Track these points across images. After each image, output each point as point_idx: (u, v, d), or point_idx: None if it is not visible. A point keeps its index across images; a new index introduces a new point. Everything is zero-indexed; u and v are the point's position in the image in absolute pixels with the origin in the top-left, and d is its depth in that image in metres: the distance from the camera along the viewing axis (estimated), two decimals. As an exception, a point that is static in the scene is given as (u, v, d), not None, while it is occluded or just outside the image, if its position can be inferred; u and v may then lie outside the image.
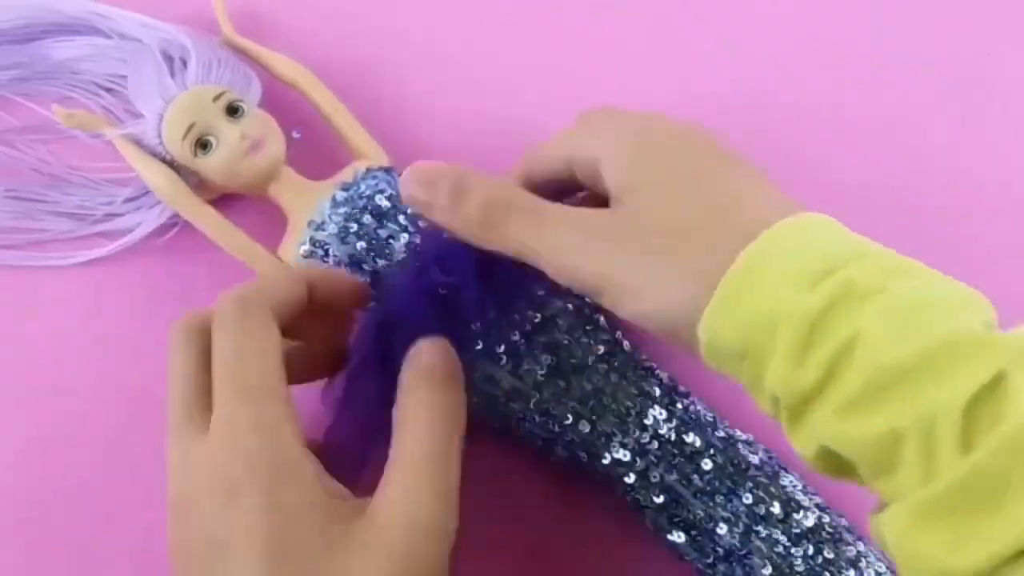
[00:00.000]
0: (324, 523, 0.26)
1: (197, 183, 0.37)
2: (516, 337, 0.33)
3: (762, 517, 0.33)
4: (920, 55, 0.45)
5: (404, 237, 0.35)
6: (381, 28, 0.43)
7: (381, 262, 0.34)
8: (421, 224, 0.35)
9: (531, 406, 0.33)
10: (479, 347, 0.33)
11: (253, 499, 0.25)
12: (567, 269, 0.28)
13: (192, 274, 0.38)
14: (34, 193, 0.39)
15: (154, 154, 0.37)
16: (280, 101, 0.39)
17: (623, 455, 0.33)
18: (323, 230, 0.35)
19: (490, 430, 0.35)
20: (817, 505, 0.33)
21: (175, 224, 0.38)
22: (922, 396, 0.22)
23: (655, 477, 0.33)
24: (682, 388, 0.35)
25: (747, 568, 0.33)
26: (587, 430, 0.33)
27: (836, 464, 0.25)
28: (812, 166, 0.42)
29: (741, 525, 0.33)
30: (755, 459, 0.34)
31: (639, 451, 0.33)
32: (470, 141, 0.41)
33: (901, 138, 0.43)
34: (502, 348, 0.33)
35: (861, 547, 0.33)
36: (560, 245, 0.28)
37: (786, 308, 0.23)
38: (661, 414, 0.34)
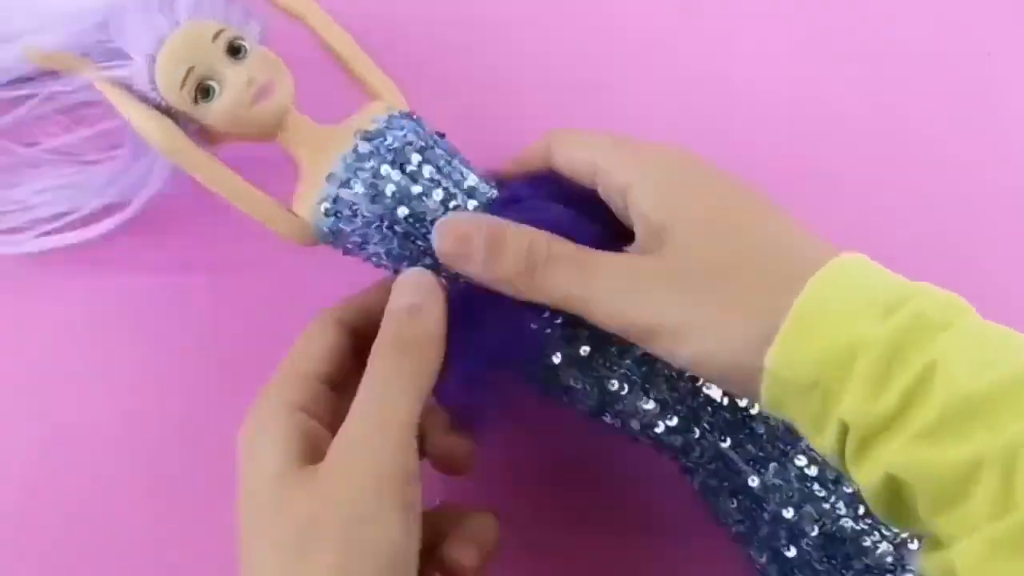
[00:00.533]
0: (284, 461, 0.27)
1: (196, 131, 0.33)
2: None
3: (814, 478, 0.32)
4: (920, 55, 0.45)
5: (438, 193, 0.32)
6: None
7: (415, 223, 0.31)
8: None
9: (583, 372, 0.32)
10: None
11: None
12: (618, 317, 0.28)
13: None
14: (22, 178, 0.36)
15: (146, 100, 0.33)
16: (280, 36, 0.35)
17: (674, 422, 0.32)
18: (349, 188, 0.32)
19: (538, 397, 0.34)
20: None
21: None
22: (1004, 427, 0.22)
23: (707, 442, 0.32)
24: None
25: (796, 530, 0.32)
26: (641, 401, 0.32)
27: (894, 498, 0.25)
28: (812, 167, 0.43)
29: (792, 491, 0.32)
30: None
31: (692, 417, 0.32)
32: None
33: (901, 138, 0.44)
34: (560, 317, 0.31)
35: None
36: (609, 293, 0.28)
37: (863, 337, 0.24)
38: (711, 388, 0.33)
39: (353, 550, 0.25)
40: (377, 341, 0.29)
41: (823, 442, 0.26)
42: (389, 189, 0.31)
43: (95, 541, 0.35)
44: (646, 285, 0.28)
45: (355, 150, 0.32)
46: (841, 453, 0.26)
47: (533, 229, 0.30)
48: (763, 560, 0.33)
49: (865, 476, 0.25)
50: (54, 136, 0.36)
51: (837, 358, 0.24)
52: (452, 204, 0.32)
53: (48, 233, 0.37)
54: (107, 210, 0.37)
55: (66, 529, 0.35)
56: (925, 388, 0.23)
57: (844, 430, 0.25)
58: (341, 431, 0.27)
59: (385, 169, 0.32)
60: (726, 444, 0.32)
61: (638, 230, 0.30)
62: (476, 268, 0.30)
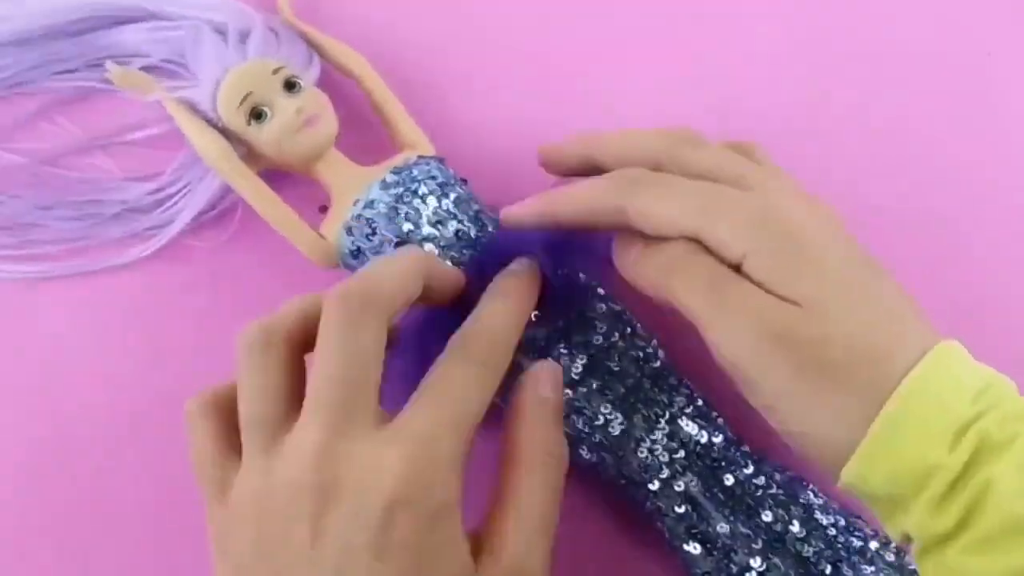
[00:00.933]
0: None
1: (245, 153, 0.37)
2: (552, 333, 0.34)
3: (781, 534, 0.33)
4: (920, 55, 0.46)
5: (452, 224, 0.35)
6: (435, 21, 0.44)
7: (428, 246, 0.34)
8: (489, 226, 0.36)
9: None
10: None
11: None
12: (732, 362, 0.28)
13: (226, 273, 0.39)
14: (74, 204, 0.39)
15: (206, 120, 0.37)
16: (333, 87, 0.39)
17: (651, 460, 0.33)
18: (372, 208, 0.35)
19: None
20: (834, 524, 0.34)
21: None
22: None
23: (679, 486, 0.33)
24: (716, 411, 0.35)
25: None
26: (616, 432, 0.33)
27: None
28: (811, 168, 0.41)
29: (760, 542, 0.33)
30: (778, 477, 0.34)
31: (666, 459, 0.34)
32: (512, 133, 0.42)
33: (900, 139, 0.44)
34: (540, 343, 0.33)
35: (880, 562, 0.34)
36: (733, 336, 0.27)
37: (932, 465, 0.26)
38: (689, 425, 0.34)
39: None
40: (522, 442, 0.29)
41: (891, 532, 0.28)
42: (405, 212, 0.35)
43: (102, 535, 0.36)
44: (775, 354, 0.27)
45: (383, 180, 0.36)
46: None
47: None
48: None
49: (926, 573, 0.27)
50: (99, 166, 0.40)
51: (905, 481, 0.26)
52: (463, 237, 0.35)
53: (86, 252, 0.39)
54: (139, 235, 0.39)
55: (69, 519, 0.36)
56: (980, 507, 0.25)
57: (908, 537, 0.27)
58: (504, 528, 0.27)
59: (407, 196, 0.35)
60: (697, 488, 0.33)
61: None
62: (631, 258, 0.30)
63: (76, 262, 0.39)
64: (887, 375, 0.26)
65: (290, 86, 0.37)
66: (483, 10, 0.45)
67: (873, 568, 0.33)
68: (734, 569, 0.33)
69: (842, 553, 0.33)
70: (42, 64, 0.40)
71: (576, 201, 0.31)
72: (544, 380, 0.30)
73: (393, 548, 0.24)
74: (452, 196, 0.36)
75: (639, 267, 0.30)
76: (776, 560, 0.33)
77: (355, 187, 0.36)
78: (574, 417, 0.33)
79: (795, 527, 0.33)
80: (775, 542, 0.33)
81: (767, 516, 0.34)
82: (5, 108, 0.40)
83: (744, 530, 0.33)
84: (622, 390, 0.34)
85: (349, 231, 0.35)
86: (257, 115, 0.36)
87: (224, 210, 0.39)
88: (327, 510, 0.24)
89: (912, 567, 0.34)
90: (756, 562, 0.33)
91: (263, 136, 0.36)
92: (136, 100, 0.38)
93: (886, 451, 0.26)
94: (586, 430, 0.33)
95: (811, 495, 0.34)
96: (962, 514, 0.25)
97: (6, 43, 0.39)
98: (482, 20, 0.45)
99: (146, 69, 0.39)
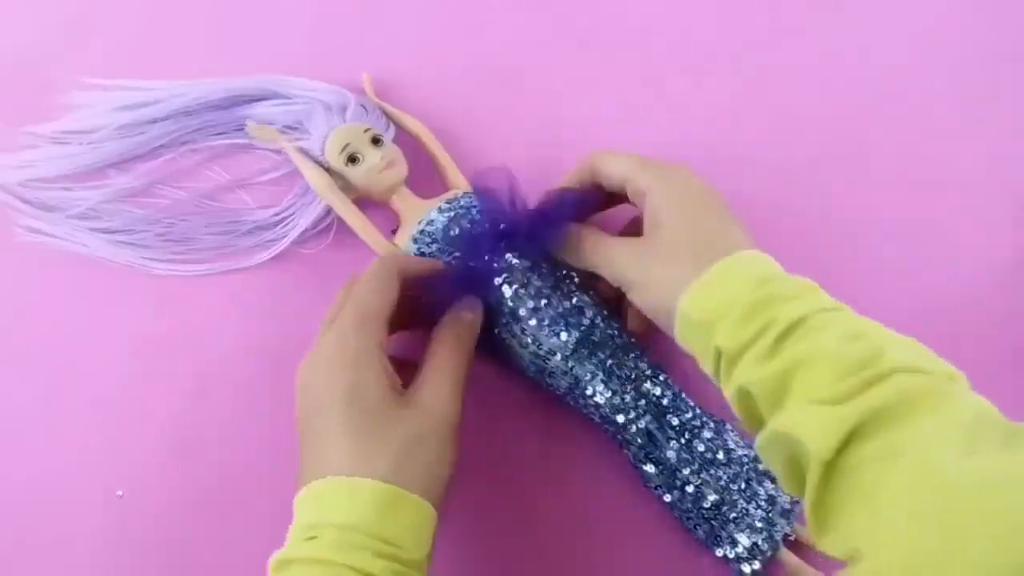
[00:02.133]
0: (386, 391, 0.41)
1: (342, 186, 0.53)
2: (554, 313, 0.47)
3: (709, 460, 0.47)
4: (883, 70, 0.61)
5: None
6: (476, 94, 0.60)
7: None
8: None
9: (561, 363, 0.47)
10: (533, 319, 0.47)
11: (344, 373, 0.41)
12: (618, 276, 0.44)
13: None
14: (221, 224, 0.56)
15: (316, 161, 0.53)
16: (403, 143, 0.55)
17: (621, 406, 0.47)
18: (433, 225, 0.50)
19: (521, 379, 0.49)
20: (746, 454, 0.48)
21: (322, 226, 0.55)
22: (804, 340, 0.36)
23: (640, 424, 0.47)
24: (665, 374, 0.49)
25: (698, 495, 0.46)
26: (600, 387, 0.47)
27: (748, 405, 0.38)
28: (813, 170, 0.57)
29: (696, 464, 0.47)
30: (710, 422, 0.48)
31: (633, 405, 0.47)
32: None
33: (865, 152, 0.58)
34: (547, 321, 0.47)
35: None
36: (614, 260, 0.44)
37: (739, 296, 0.39)
38: (651, 384, 0.48)
39: (443, 450, 0.41)
40: (442, 330, 0.45)
41: (708, 366, 0.40)
42: (456, 231, 0.50)
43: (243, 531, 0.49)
44: (634, 256, 0.43)
45: (439, 207, 0.51)
46: (717, 375, 0.40)
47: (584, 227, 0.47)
48: (669, 498, 0.47)
49: (729, 391, 0.39)
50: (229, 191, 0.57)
51: (720, 307, 0.38)
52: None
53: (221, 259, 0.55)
54: (264, 244, 0.55)
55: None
56: (766, 329, 0.37)
57: (719, 355, 0.39)
58: (426, 379, 0.43)
59: (457, 218, 0.50)
60: (654, 426, 0.47)
61: (646, 219, 0.44)
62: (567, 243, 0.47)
63: (222, 263, 0.55)
64: (709, 257, 0.40)
65: (375, 141, 0.53)
66: (501, 94, 0.61)
67: (773, 485, 0.47)
68: (678, 483, 0.47)
69: (751, 474, 0.47)
70: (201, 128, 0.57)
71: (577, 166, 0.49)
72: (464, 311, 0.46)
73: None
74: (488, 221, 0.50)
75: (577, 252, 0.47)
76: (705, 476, 0.47)
77: (417, 213, 0.52)
78: (569, 377, 0.47)
79: (720, 455, 0.47)
80: (706, 464, 0.47)
81: (700, 447, 0.47)
82: (177, 160, 0.57)
83: (685, 455, 0.47)
84: (603, 357, 0.47)
85: (415, 240, 0.51)
86: (352, 159, 0.52)
87: (322, 228, 0.55)
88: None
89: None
90: (693, 477, 0.47)
91: (357, 174, 0.52)
92: (267, 149, 0.55)
93: (705, 292, 0.39)
94: (579, 385, 0.47)
95: (730, 433, 0.48)
96: (756, 332, 0.37)
97: (177, 113, 0.57)
98: (500, 97, 0.61)
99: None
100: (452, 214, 0.50)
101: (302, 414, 0.42)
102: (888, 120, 0.60)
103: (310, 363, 0.42)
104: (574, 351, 0.47)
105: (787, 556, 0.46)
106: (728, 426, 0.48)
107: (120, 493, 0.50)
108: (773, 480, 0.47)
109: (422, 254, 0.50)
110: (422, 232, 0.50)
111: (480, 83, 0.61)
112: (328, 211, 0.54)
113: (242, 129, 0.57)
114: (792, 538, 0.47)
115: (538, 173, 0.51)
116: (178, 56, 0.61)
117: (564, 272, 0.49)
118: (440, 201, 0.52)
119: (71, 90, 0.58)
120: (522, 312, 0.47)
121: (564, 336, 0.47)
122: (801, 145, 0.59)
